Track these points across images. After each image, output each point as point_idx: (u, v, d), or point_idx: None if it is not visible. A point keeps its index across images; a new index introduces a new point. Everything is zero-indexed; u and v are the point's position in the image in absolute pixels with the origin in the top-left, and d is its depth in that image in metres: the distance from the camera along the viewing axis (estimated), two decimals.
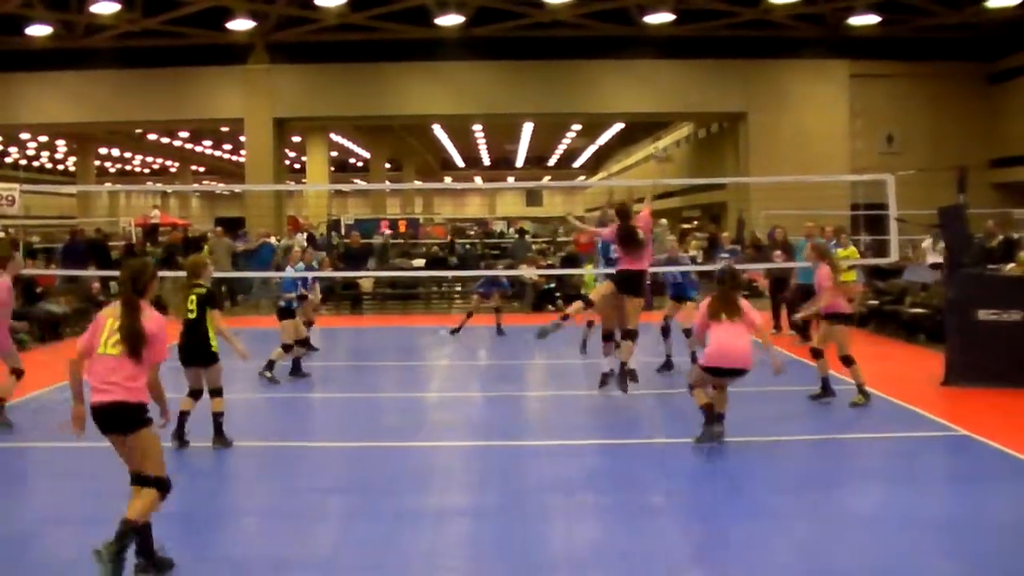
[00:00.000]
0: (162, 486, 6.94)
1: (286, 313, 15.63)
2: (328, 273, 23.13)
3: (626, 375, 13.05)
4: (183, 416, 10.67)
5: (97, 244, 28.96)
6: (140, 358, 6.77)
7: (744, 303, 10.72)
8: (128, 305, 6.85)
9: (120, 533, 6.61)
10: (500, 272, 22.30)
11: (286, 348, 15.39)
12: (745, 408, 12.69)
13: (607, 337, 13.80)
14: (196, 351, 10.78)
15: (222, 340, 10.88)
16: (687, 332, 15.18)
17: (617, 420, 12.83)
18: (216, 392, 10.88)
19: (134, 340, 6.73)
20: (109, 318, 6.86)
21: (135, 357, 6.75)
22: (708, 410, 10.59)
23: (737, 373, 10.53)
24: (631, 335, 13.13)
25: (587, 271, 18.10)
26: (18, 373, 12.17)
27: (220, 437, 10.86)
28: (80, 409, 6.89)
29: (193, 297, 10.79)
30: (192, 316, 10.76)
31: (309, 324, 18.09)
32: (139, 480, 6.89)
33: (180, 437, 10.70)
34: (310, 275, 17.17)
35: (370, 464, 10.49)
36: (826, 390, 13.15)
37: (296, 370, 15.82)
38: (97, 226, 36.08)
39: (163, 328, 6.91)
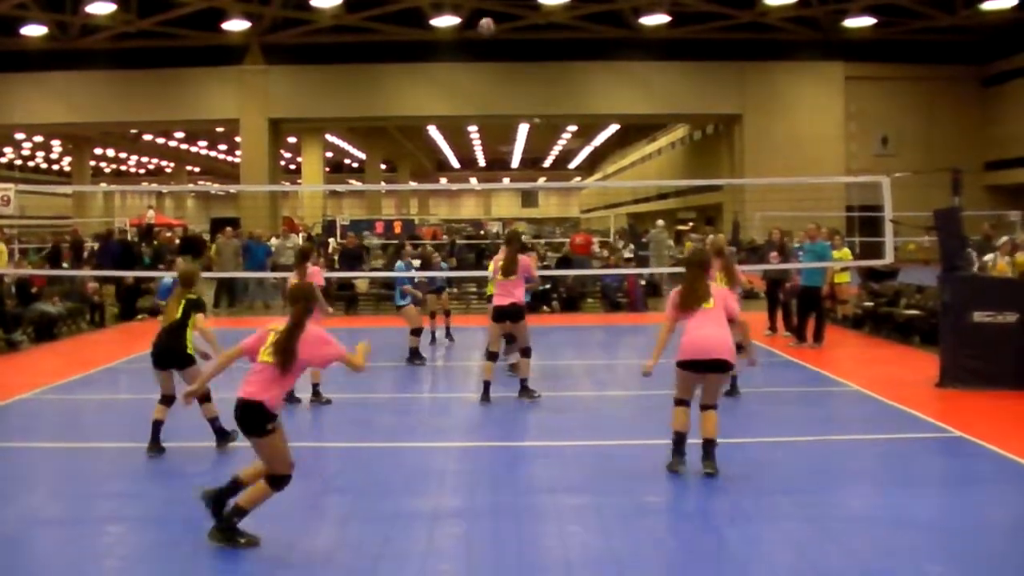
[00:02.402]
0: (278, 483, 7.61)
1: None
2: (327, 272, 23.12)
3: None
4: (157, 425, 10.55)
5: (128, 245, 29.02)
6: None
7: (718, 289, 10.08)
8: (296, 326, 7.59)
9: (228, 514, 7.52)
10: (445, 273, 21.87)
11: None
12: (738, 409, 12.71)
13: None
14: (173, 353, 10.65)
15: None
16: None
17: (611, 421, 12.83)
18: (205, 398, 10.62)
19: (285, 356, 7.42)
20: (272, 331, 7.60)
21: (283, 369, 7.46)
22: (677, 438, 9.65)
23: (717, 366, 9.45)
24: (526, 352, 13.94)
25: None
26: None
27: (222, 441, 10.88)
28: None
29: (183, 302, 10.74)
30: (176, 318, 10.68)
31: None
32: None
33: (157, 446, 10.55)
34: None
35: (364, 465, 10.48)
36: None
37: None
38: (115, 227, 36.06)
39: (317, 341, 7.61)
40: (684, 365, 9.50)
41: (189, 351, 10.64)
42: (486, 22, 18.14)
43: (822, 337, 18.81)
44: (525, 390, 13.76)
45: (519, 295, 13.61)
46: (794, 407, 13.27)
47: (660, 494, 9.17)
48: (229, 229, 30.74)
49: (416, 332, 17.23)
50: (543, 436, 11.96)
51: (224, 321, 25.16)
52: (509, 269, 13.57)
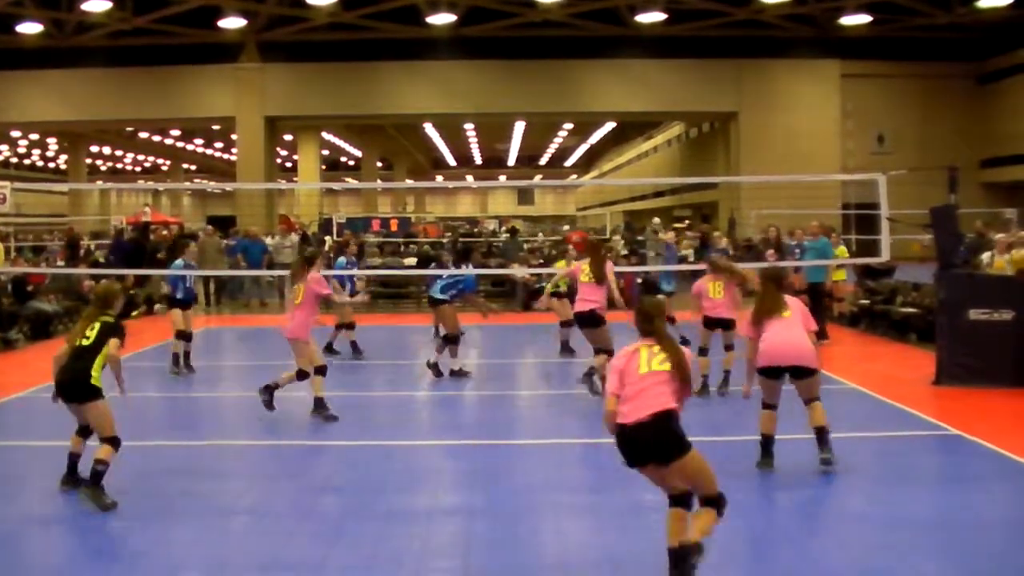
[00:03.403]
0: (720, 503, 6.70)
1: (174, 303, 16.29)
2: (378, 272, 23.19)
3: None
4: (72, 458, 9.13)
5: (139, 243, 29.05)
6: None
7: (794, 301, 10.12)
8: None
9: (689, 551, 6.42)
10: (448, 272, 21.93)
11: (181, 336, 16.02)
12: (734, 407, 12.71)
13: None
14: (73, 384, 8.91)
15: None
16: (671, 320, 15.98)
17: None
18: (106, 441, 8.88)
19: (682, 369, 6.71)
20: (643, 348, 6.79)
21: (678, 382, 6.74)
22: (765, 440, 9.88)
23: (799, 372, 9.67)
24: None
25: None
26: None
27: (93, 488, 8.68)
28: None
29: (97, 324, 9.18)
30: (87, 343, 9.03)
31: (351, 326, 18.17)
32: (680, 501, 6.65)
33: (72, 479, 9.06)
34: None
35: (361, 463, 10.46)
36: None
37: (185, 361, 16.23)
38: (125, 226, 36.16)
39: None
40: (764, 371, 9.73)
41: (94, 382, 8.91)
42: None
43: (825, 334, 18.83)
44: (590, 382, 13.65)
45: (601, 300, 13.67)
46: (790, 405, 13.25)
47: (657, 492, 9.14)
48: (210, 227, 30.75)
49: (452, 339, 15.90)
50: (540, 434, 11.95)
51: (226, 320, 25.22)
52: (600, 276, 13.67)
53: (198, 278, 16.02)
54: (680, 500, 6.66)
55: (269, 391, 12.46)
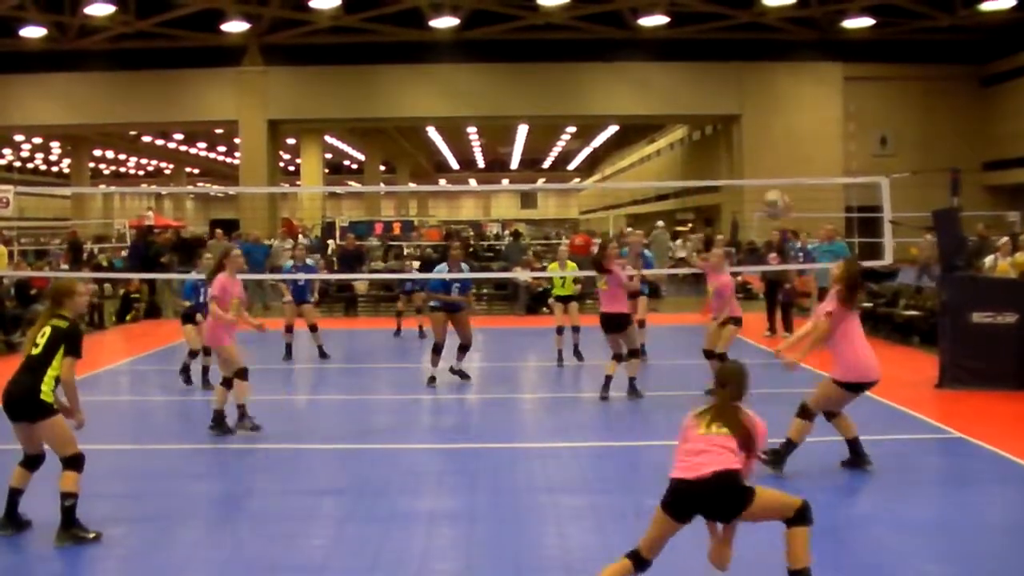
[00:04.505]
0: (805, 515, 6.34)
1: (187, 319, 15.25)
2: (323, 276, 23.26)
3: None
4: (14, 495, 7.94)
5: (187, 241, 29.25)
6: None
7: None
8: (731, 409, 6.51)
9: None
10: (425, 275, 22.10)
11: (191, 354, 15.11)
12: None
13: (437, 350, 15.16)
14: (20, 401, 7.75)
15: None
16: (640, 323, 16.45)
17: (609, 422, 12.83)
18: (67, 462, 7.76)
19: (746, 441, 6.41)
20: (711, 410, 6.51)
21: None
22: (793, 448, 9.63)
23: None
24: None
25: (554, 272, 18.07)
26: None
27: (68, 530, 7.72)
28: None
29: (48, 329, 7.88)
30: (36, 352, 7.80)
31: (313, 328, 18.21)
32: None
33: (12, 521, 7.95)
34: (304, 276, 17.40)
35: (363, 466, 10.47)
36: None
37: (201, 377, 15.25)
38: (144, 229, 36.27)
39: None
40: (853, 387, 9.48)
41: (44, 397, 7.70)
42: None
43: None
44: (633, 390, 13.75)
45: (623, 302, 13.69)
46: (793, 408, 13.25)
47: (658, 495, 9.14)
48: (219, 231, 30.80)
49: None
50: (540, 437, 11.94)
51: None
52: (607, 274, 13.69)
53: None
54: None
55: (217, 421, 11.71)
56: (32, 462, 7.93)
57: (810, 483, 9.46)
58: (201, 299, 14.90)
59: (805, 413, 9.58)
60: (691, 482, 6.14)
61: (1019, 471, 9.69)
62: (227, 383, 11.79)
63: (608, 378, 13.61)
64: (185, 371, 15.19)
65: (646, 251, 18.21)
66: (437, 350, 15.17)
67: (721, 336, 13.68)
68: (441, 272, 15.30)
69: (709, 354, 13.63)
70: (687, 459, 6.23)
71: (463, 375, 15.42)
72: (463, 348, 15.36)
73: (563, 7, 39.41)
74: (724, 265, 14.28)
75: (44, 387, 7.68)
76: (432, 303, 15.53)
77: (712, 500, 6.15)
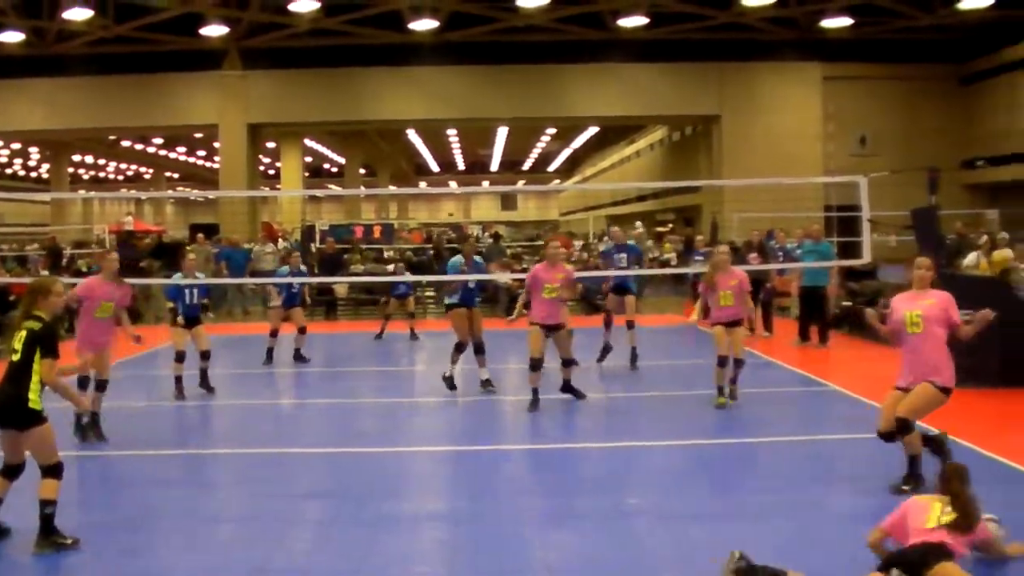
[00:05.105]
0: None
1: (175, 321, 14.96)
2: (306, 279, 23.21)
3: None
4: None
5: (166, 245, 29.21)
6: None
7: None
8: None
9: None
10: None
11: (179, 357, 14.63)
12: (727, 411, 12.74)
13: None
14: (8, 409, 7.66)
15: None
16: (630, 324, 16.54)
17: (593, 424, 12.85)
18: (48, 470, 7.75)
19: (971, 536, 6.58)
20: (938, 503, 6.67)
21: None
22: (918, 459, 9.33)
23: None
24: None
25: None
26: None
27: (47, 537, 7.67)
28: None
29: (23, 333, 7.76)
30: (16, 358, 7.72)
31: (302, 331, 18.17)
32: None
33: None
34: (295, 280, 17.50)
35: (346, 469, 10.47)
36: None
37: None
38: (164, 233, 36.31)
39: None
40: (950, 393, 9.22)
41: (32, 405, 7.66)
42: None
43: (827, 337, 18.93)
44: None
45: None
46: (775, 407, 13.29)
47: (641, 496, 9.17)
48: (201, 236, 30.74)
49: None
50: (524, 440, 11.95)
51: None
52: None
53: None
54: None
55: (78, 424, 11.47)
56: (12, 471, 7.85)
57: (794, 484, 9.47)
58: (187, 300, 14.87)
59: (908, 427, 9.27)
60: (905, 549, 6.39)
61: (1002, 470, 9.73)
62: (100, 386, 11.56)
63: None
64: (178, 382, 14.66)
65: (630, 243, 18.18)
66: (461, 348, 14.84)
67: (738, 340, 13.14)
68: (456, 266, 14.98)
69: (736, 362, 13.10)
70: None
71: (488, 384, 14.95)
72: (480, 350, 14.95)
73: (543, 9, 39.39)
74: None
75: (31, 395, 7.62)
76: (451, 299, 15.12)
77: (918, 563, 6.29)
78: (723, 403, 12.92)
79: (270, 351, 18.06)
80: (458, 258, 15.23)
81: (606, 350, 16.95)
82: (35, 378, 7.64)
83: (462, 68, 43.74)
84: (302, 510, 8.93)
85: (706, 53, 42.80)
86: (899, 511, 6.75)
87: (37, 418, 7.65)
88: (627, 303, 16.83)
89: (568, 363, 13.71)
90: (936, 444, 9.29)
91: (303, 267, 19.56)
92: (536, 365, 13.24)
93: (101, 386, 11.56)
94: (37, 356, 7.67)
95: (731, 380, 13.14)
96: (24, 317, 7.85)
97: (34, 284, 8.32)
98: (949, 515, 6.62)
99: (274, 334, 18.14)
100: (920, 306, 9.18)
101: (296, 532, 8.23)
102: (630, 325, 16.63)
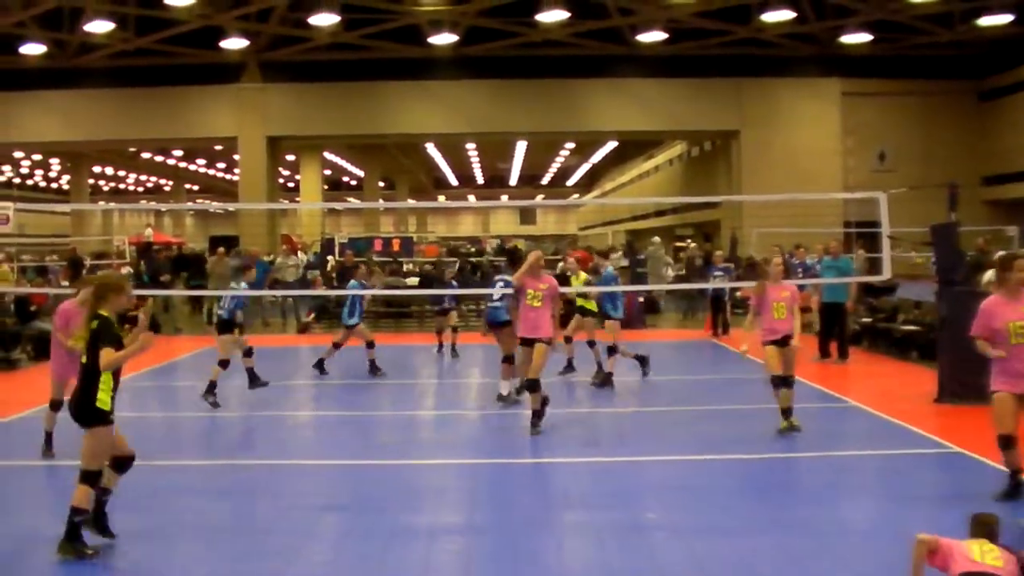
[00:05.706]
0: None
1: (224, 328, 15.04)
2: (322, 292, 23.32)
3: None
4: (100, 496, 8.09)
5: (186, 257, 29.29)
6: None
7: None
8: None
9: None
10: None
11: (222, 364, 14.74)
12: (736, 425, 12.71)
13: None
14: (79, 406, 7.82)
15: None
16: (611, 349, 15.99)
17: (608, 438, 12.82)
18: (83, 475, 7.75)
19: None
20: (975, 544, 6.41)
21: None
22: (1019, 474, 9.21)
23: None
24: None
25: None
26: None
27: (71, 543, 7.65)
28: None
29: (87, 334, 7.85)
30: (84, 362, 7.86)
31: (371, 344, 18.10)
32: None
33: (98, 526, 8.05)
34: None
35: (363, 482, 10.48)
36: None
37: (253, 380, 15.41)
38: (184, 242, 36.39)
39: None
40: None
41: (99, 404, 7.75)
42: None
43: (847, 352, 18.91)
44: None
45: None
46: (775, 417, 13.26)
47: (659, 510, 9.16)
48: (221, 249, 30.83)
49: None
50: (541, 453, 11.94)
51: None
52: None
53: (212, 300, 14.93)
54: None
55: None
56: (120, 464, 8.12)
57: (809, 498, 9.46)
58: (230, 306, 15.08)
59: (1011, 441, 9.22)
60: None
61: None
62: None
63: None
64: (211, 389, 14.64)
65: (604, 270, 17.26)
66: (510, 360, 14.54)
67: (789, 357, 12.15)
68: (503, 285, 14.82)
69: (786, 381, 12.11)
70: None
71: (507, 398, 14.70)
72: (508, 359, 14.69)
73: (562, 24, 39.45)
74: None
75: (101, 395, 7.71)
76: (506, 318, 14.77)
77: None
78: (796, 426, 11.96)
79: (321, 362, 17.92)
80: (503, 277, 15.25)
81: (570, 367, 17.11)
82: (106, 378, 7.73)
83: (481, 82, 43.84)
84: (318, 522, 8.94)
85: (725, 68, 42.80)
86: (945, 545, 6.55)
87: (99, 418, 7.73)
88: (608, 327, 16.30)
89: (530, 387, 12.71)
90: None
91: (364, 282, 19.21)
92: (531, 387, 12.70)
93: (56, 406, 11.17)
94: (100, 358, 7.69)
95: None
96: (91, 317, 7.86)
97: (106, 279, 8.41)
98: (994, 551, 6.36)
99: (337, 347, 17.98)
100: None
101: (312, 544, 8.24)
102: (611, 350, 16.30)
